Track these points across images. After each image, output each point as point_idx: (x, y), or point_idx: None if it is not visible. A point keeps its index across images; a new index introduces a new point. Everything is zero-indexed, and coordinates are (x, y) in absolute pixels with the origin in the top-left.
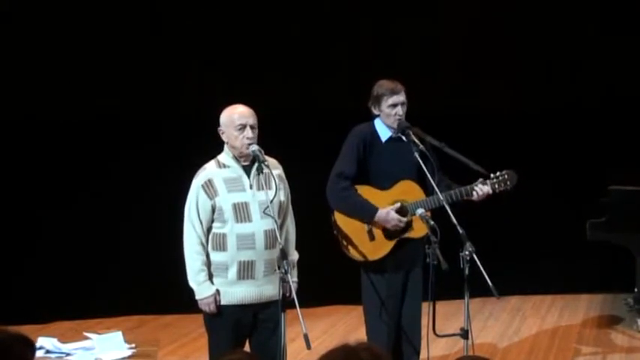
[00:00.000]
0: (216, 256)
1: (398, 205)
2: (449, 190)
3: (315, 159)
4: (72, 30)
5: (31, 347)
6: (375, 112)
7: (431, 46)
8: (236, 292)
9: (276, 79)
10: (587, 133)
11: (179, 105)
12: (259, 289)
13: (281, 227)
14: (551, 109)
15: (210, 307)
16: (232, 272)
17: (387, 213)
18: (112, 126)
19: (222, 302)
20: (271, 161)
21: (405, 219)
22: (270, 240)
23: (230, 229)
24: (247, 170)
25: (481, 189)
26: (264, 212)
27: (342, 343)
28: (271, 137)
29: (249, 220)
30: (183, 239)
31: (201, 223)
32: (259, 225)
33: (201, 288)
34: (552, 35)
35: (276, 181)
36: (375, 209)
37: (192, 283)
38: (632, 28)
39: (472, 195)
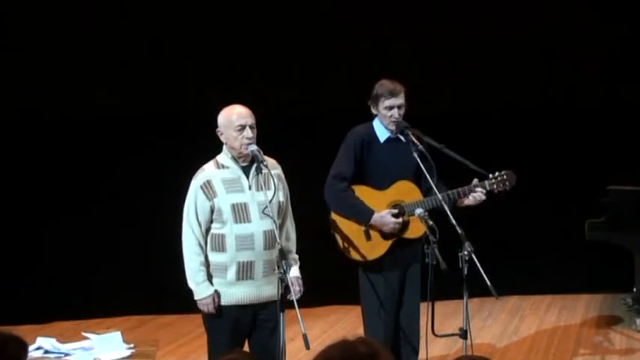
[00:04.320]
0: (215, 257)
1: (395, 210)
2: (446, 191)
3: (313, 159)
4: (71, 30)
5: (24, 347)
6: (374, 111)
7: (431, 46)
8: (235, 293)
9: (276, 80)
10: (587, 133)
11: (178, 106)
12: (258, 290)
13: (280, 227)
14: (550, 109)
15: (209, 308)
16: (231, 273)
17: (383, 217)
18: (111, 126)
19: (222, 302)
20: (270, 161)
21: (400, 221)
22: (270, 240)
23: (229, 229)
24: (246, 171)
25: (476, 196)
26: (262, 212)
27: (341, 339)
28: (270, 137)
29: (249, 221)
30: (182, 240)
31: (199, 224)
32: (258, 225)
33: (199, 288)
34: (552, 35)
35: (275, 181)
36: (371, 212)
37: (191, 284)
38: (633, 28)
39: (469, 197)
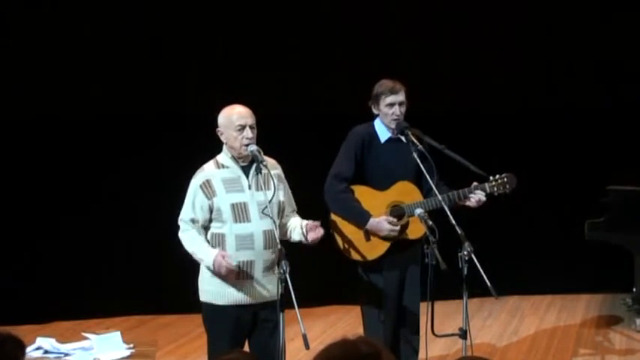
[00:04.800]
0: None
1: (391, 219)
2: (446, 192)
3: (314, 159)
4: (71, 31)
5: (21, 347)
6: (375, 111)
7: (431, 46)
8: (235, 292)
9: (276, 80)
10: (587, 133)
11: (179, 106)
12: (258, 289)
13: (281, 225)
14: (551, 109)
15: (223, 267)
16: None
17: (379, 222)
18: (111, 126)
19: (221, 302)
20: (270, 161)
21: (397, 227)
22: (269, 240)
23: (229, 229)
24: (246, 171)
25: (475, 197)
26: (262, 212)
27: (341, 338)
28: (270, 138)
29: (248, 221)
30: (181, 237)
31: (197, 221)
32: (258, 225)
33: (207, 257)
34: (553, 35)
35: (275, 181)
36: (368, 217)
37: (203, 261)
38: (634, 28)
39: (469, 198)
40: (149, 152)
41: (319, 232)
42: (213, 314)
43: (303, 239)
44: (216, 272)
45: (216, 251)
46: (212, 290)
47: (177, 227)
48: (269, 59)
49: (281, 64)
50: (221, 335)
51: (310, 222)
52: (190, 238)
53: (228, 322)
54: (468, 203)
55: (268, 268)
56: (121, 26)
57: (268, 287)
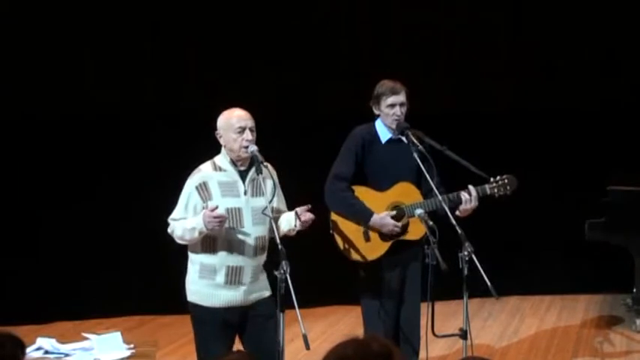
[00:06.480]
0: (205, 259)
1: (394, 212)
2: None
3: (314, 160)
4: (71, 29)
5: (21, 347)
6: (376, 111)
7: (431, 45)
8: (222, 296)
9: (276, 80)
10: (587, 134)
11: (178, 106)
12: (246, 294)
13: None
14: (551, 109)
15: (214, 219)
16: (220, 276)
17: (382, 218)
18: (110, 126)
19: (209, 304)
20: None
21: (400, 224)
22: (260, 247)
23: (221, 233)
24: (243, 175)
25: (465, 195)
26: (262, 213)
27: (351, 337)
28: (270, 138)
29: (241, 226)
30: (170, 232)
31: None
32: (251, 231)
33: (197, 224)
34: (552, 35)
35: (273, 184)
36: (371, 213)
37: (194, 231)
38: (634, 28)
39: (460, 205)
40: (149, 152)
41: (307, 215)
42: (201, 315)
43: (292, 226)
44: (210, 228)
45: (200, 214)
46: (199, 291)
47: (167, 225)
48: (270, 59)
49: (281, 64)
50: (209, 336)
51: (300, 208)
52: (177, 226)
53: (215, 324)
54: (457, 213)
55: (256, 274)
56: (120, 25)
57: (256, 291)
